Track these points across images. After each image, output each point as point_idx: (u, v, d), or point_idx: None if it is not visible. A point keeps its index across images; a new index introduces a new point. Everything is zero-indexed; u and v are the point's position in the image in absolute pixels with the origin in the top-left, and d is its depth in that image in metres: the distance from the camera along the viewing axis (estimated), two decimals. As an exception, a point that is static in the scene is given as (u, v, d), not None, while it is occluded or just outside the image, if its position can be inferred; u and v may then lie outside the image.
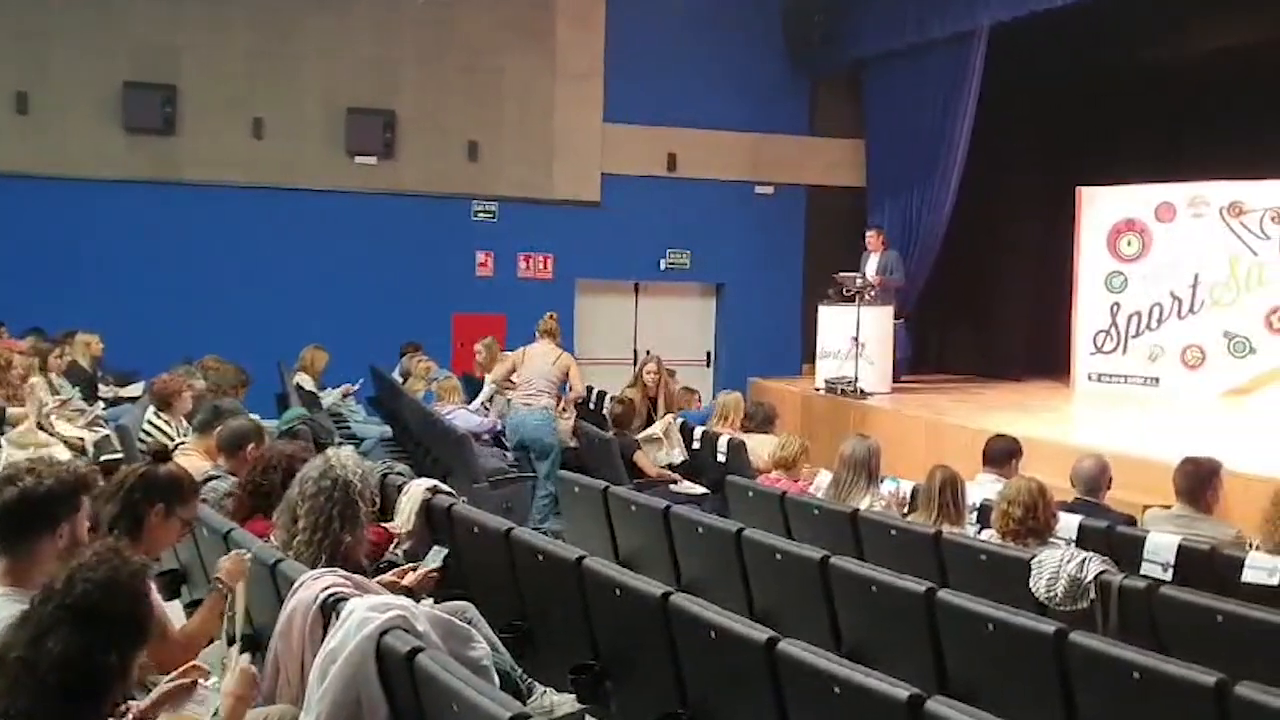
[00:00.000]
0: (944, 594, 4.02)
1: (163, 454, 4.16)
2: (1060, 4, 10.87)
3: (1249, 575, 4.79)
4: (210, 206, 12.79)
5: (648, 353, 12.42)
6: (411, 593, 4.23)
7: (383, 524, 4.96)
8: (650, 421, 9.16)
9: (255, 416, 6.18)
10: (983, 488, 6.27)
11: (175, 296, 12.48)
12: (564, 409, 9.41)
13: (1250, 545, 5.13)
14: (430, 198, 13.60)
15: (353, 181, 13.35)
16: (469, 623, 3.95)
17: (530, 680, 4.28)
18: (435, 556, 4.48)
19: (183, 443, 6.25)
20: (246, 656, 3.62)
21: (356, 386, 11.01)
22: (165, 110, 12.69)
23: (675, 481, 8.39)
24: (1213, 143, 12.61)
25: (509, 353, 10.28)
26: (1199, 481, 5.67)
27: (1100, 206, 13.12)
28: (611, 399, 9.50)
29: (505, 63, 13.89)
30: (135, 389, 10.08)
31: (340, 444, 5.85)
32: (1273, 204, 11.87)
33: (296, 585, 3.67)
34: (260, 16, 13.04)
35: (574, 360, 9.56)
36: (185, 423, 6.95)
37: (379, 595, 3.58)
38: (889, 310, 12.46)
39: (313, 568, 3.92)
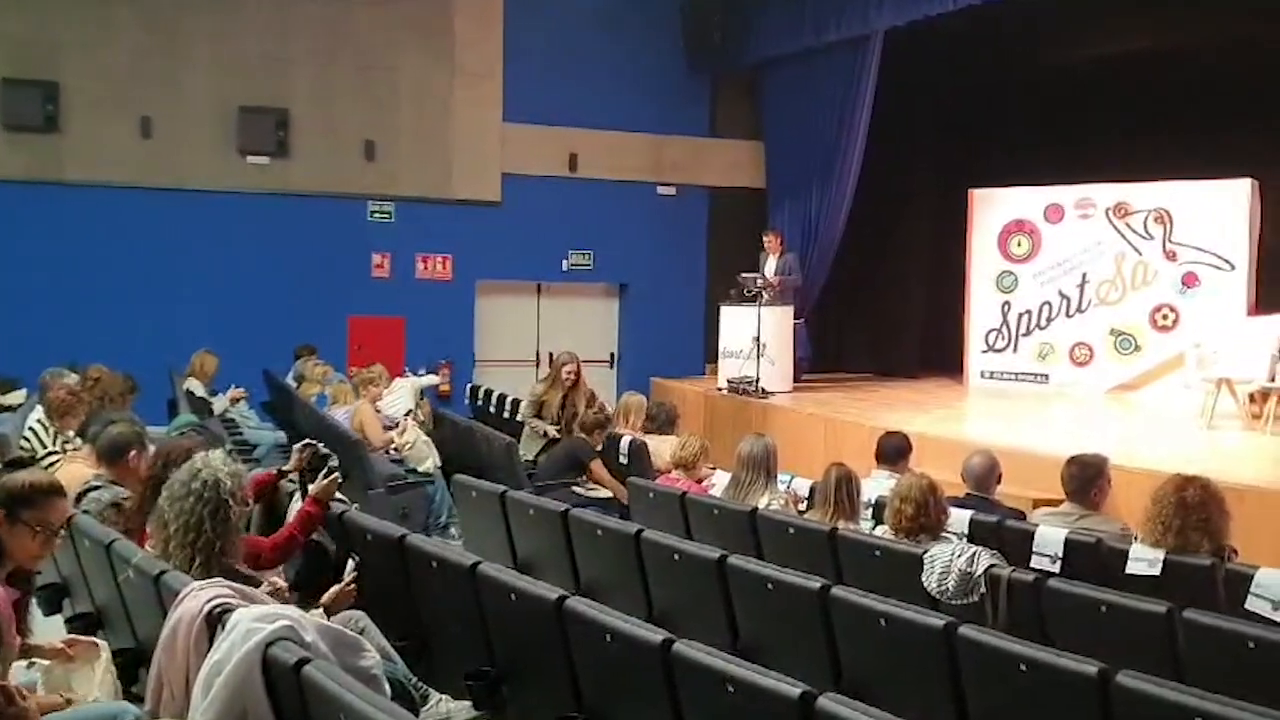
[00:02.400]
0: (838, 590, 4.06)
1: (16, 462, 3.99)
2: (952, 9, 11.08)
3: (1132, 567, 4.93)
4: (96, 207, 12.37)
5: (552, 354, 12.30)
6: (328, 610, 4.14)
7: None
8: (560, 420, 9.08)
9: (136, 419, 5.97)
10: (877, 484, 6.36)
11: (60, 301, 12.08)
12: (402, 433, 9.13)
13: (1135, 538, 5.26)
14: (325, 198, 13.34)
15: (245, 181, 13.04)
16: (361, 632, 3.89)
17: (426, 688, 4.23)
18: (349, 570, 4.39)
19: (54, 451, 6.04)
20: None
21: (246, 396, 10.68)
22: (47, 108, 12.24)
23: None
24: (1099, 146, 13.03)
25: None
26: (1086, 481, 5.79)
27: (991, 208, 13.46)
28: (531, 400, 9.33)
29: (401, 61, 13.71)
30: (17, 397, 9.70)
31: (231, 450, 5.71)
32: (1156, 205, 12.28)
33: (181, 597, 3.56)
34: (147, 12, 12.66)
35: (368, 413, 9.15)
36: (71, 432, 6.70)
37: (266, 605, 3.49)
38: (789, 311, 12.62)
39: (186, 571, 3.81)
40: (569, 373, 9.25)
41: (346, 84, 13.46)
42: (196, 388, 10.16)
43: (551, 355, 13.53)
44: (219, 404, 10.18)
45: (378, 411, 9.52)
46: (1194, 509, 4.86)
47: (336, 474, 4.68)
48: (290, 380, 11.24)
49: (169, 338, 11.52)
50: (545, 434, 8.88)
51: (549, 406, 9.10)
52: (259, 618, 3.22)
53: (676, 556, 4.76)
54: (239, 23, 12.99)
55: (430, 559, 4.34)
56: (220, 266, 12.82)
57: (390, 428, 9.17)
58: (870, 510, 6.09)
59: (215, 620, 3.38)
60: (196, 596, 3.52)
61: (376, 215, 13.74)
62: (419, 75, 13.79)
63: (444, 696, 4.19)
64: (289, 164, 13.28)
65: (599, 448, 8.33)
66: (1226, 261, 11.74)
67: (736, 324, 12.47)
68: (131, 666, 3.98)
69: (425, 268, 14.01)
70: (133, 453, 5.11)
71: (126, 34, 12.60)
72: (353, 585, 4.26)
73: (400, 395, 10.35)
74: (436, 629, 4.41)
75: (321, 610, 4.03)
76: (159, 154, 12.69)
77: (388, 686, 3.57)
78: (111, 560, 4.16)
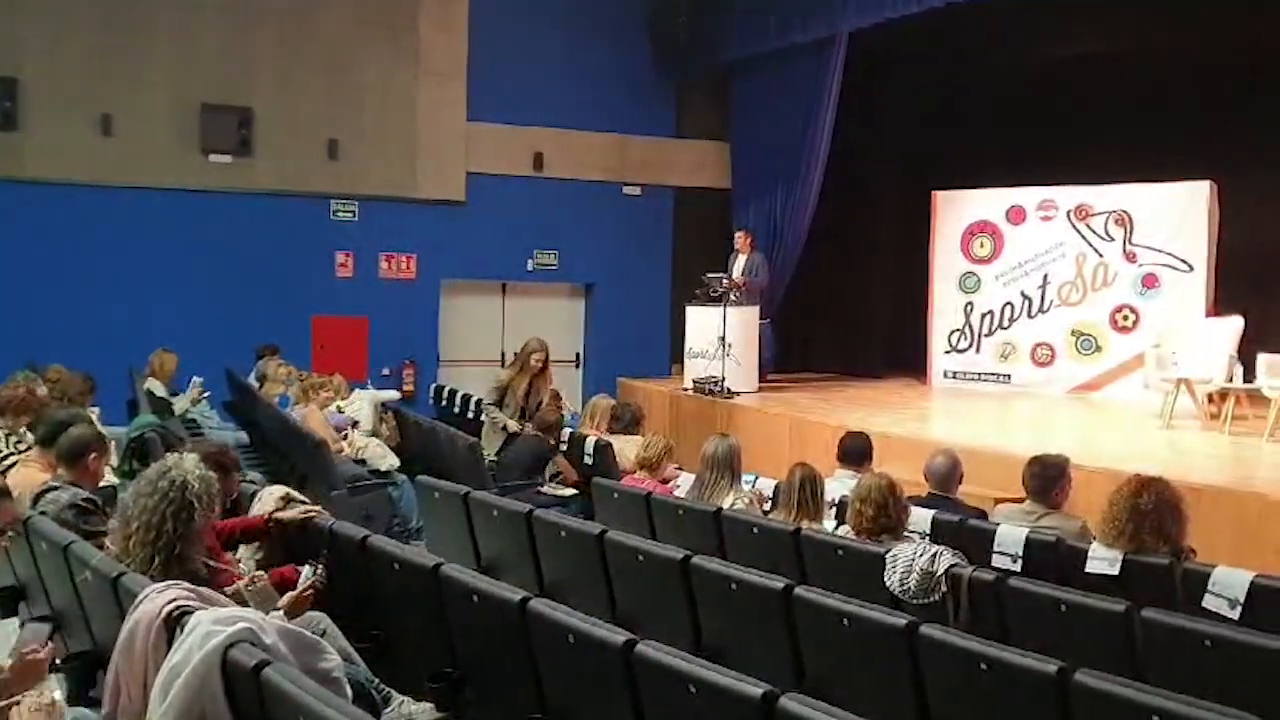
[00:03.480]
0: (800, 590, 4.07)
1: None
2: (916, 12, 11.15)
3: (1092, 566, 4.98)
4: (55, 205, 12.21)
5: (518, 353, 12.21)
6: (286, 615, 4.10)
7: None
8: (523, 411, 9.05)
9: (95, 420, 5.91)
10: (840, 484, 6.39)
11: (18, 299, 11.91)
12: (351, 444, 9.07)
13: (1094, 537, 5.31)
14: (288, 197, 13.24)
15: (207, 180, 12.91)
16: (322, 634, 3.86)
17: (388, 690, 4.20)
18: (306, 575, 4.34)
19: (11, 454, 5.96)
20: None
21: (202, 383, 10.52)
22: (5, 104, 12.08)
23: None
24: (1061, 148, 13.14)
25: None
26: (1047, 481, 5.85)
27: (954, 209, 13.56)
28: (495, 386, 9.27)
29: (366, 59, 13.62)
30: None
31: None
32: (1116, 207, 12.41)
33: (139, 599, 3.52)
34: (108, 8, 12.50)
35: (317, 419, 9.01)
36: (30, 433, 6.61)
37: (225, 608, 3.46)
38: (754, 310, 12.65)
39: (146, 571, 3.77)
40: (538, 360, 9.22)
41: (310, 82, 13.36)
42: (157, 388, 10.06)
43: (516, 355, 13.52)
44: (180, 404, 10.08)
45: (340, 412, 9.46)
46: (1147, 515, 4.91)
47: (318, 581, 4.43)
48: (252, 380, 11.15)
49: (130, 337, 11.38)
50: (505, 427, 8.85)
51: (514, 392, 9.06)
52: (218, 620, 3.20)
53: (640, 557, 4.76)
54: (201, 20, 12.86)
55: (392, 560, 4.32)
56: (182, 266, 12.70)
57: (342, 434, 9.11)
58: (834, 510, 6.12)
59: (174, 623, 3.35)
60: (155, 599, 3.49)
61: (340, 214, 13.65)
62: (383, 74, 13.71)
63: (406, 698, 4.16)
64: (252, 162, 13.16)
65: (561, 445, 8.35)
66: (1185, 263, 11.87)
67: (702, 324, 12.49)
68: (89, 670, 3.94)
69: (389, 267, 13.94)
70: (92, 454, 5.06)
71: (87, 30, 12.44)
72: (309, 592, 4.21)
73: (359, 406, 10.27)
74: (399, 631, 4.38)
75: (282, 613, 4.00)
76: (120, 152, 12.54)
77: (349, 689, 3.54)
78: (69, 562, 4.11)
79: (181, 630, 3.25)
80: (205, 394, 10.45)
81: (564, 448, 8.55)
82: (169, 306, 12.42)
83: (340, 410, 9.53)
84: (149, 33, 12.67)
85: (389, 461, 8.76)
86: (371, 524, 6.34)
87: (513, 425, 8.81)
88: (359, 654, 4.23)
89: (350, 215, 13.70)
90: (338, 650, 3.77)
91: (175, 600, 3.46)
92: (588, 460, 8.22)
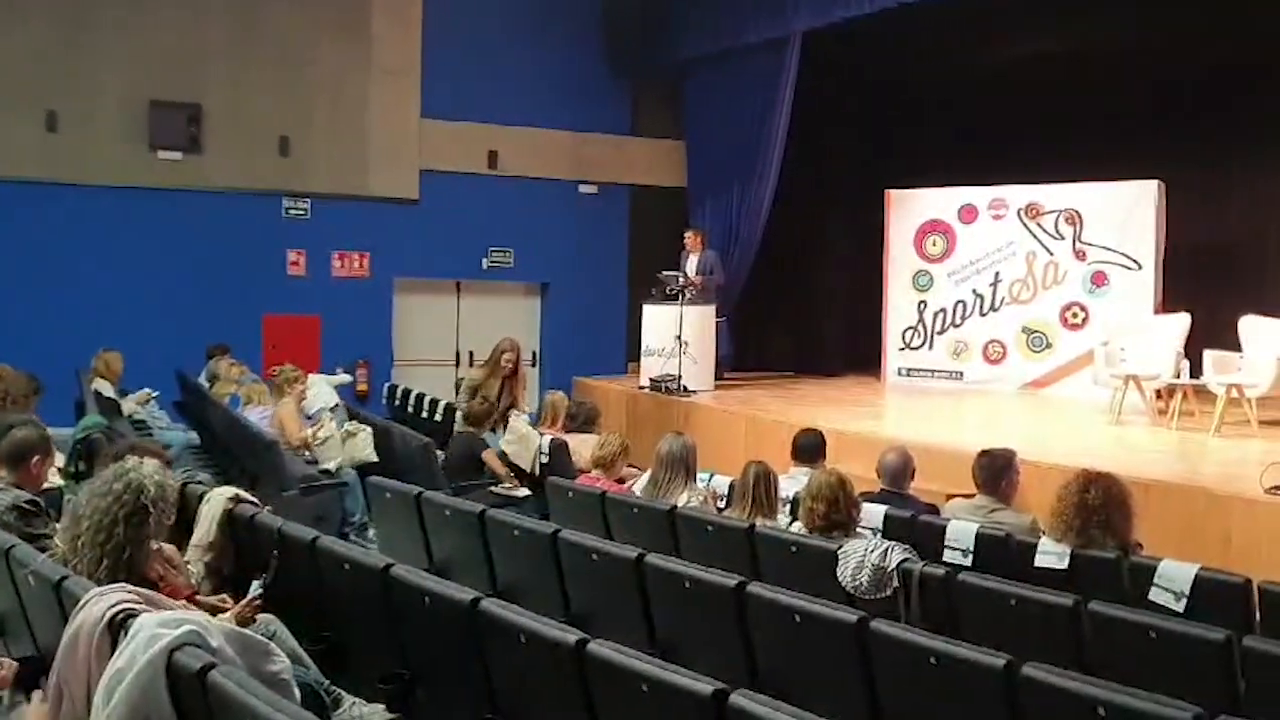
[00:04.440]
0: (754, 587, 4.08)
1: None
2: (868, 12, 11.21)
3: (1041, 560, 5.03)
4: (0, 203, 12.01)
5: (472, 353, 12.16)
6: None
7: None
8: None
9: (39, 422, 5.80)
10: (795, 481, 6.41)
11: (-39, 299, 11.73)
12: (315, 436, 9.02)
13: (1043, 532, 5.37)
14: (239, 194, 13.09)
15: (156, 178, 12.73)
16: (271, 636, 3.81)
17: (338, 691, 4.16)
18: (254, 588, 4.27)
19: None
20: (40, 695, 3.39)
21: (150, 391, 10.40)
22: (-56, 100, 11.90)
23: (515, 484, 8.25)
24: (1012, 148, 13.28)
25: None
26: (995, 473, 5.92)
27: (907, 208, 13.67)
28: (468, 386, 9.21)
29: (318, 55, 13.48)
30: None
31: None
32: (1066, 205, 12.56)
33: (82, 602, 3.46)
34: (55, 1, 12.31)
35: (290, 411, 9.03)
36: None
37: (171, 610, 3.40)
38: (711, 309, 12.67)
39: (92, 574, 3.71)
40: (508, 360, 9.18)
41: (261, 78, 13.21)
42: (105, 388, 9.90)
43: (471, 355, 13.46)
44: (128, 405, 9.94)
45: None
46: (1095, 511, 4.97)
47: (259, 597, 4.25)
48: (203, 380, 11.02)
49: (77, 338, 11.19)
50: None
51: (494, 405, 9.01)
52: (163, 623, 3.14)
53: (594, 556, 4.75)
54: (150, 14, 12.68)
55: (342, 561, 4.28)
56: (132, 264, 12.51)
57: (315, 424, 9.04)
58: (788, 507, 6.14)
59: (118, 626, 3.29)
60: (99, 602, 3.43)
61: (292, 212, 13.51)
62: (335, 70, 13.58)
63: (357, 700, 4.13)
64: (202, 160, 12.99)
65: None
66: (1134, 261, 12.03)
67: (658, 322, 12.49)
68: (31, 675, 3.87)
69: (342, 265, 13.81)
70: (35, 457, 4.98)
71: (31, 24, 12.23)
72: (258, 602, 4.15)
73: (321, 390, 10.19)
74: (350, 632, 4.34)
75: (231, 617, 3.95)
76: (66, 148, 12.35)
77: (298, 691, 3.50)
78: (10, 566, 4.03)
79: (125, 633, 3.20)
80: (154, 394, 10.31)
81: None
82: (118, 306, 12.23)
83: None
84: (96, 27, 12.47)
85: (335, 463, 8.65)
86: (323, 525, 6.27)
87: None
88: (309, 656, 4.19)
89: (302, 213, 13.56)
90: (287, 652, 3.72)
91: (120, 603, 3.40)
92: (543, 459, 8.20)
